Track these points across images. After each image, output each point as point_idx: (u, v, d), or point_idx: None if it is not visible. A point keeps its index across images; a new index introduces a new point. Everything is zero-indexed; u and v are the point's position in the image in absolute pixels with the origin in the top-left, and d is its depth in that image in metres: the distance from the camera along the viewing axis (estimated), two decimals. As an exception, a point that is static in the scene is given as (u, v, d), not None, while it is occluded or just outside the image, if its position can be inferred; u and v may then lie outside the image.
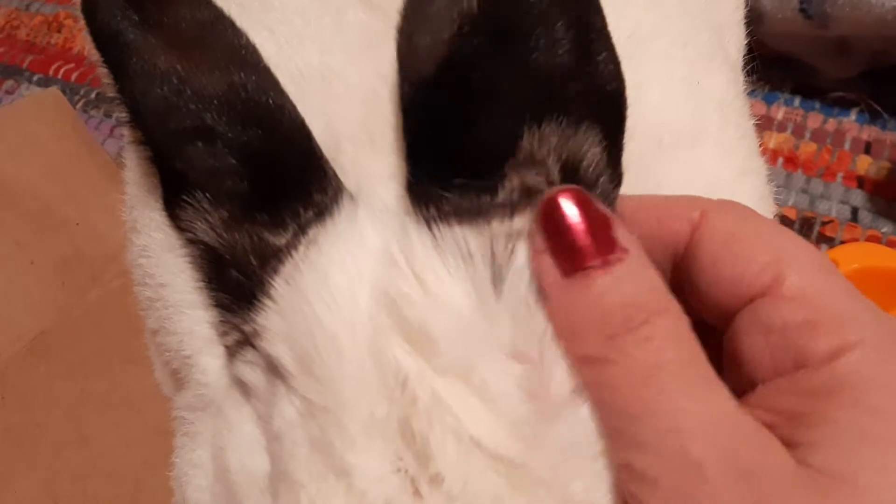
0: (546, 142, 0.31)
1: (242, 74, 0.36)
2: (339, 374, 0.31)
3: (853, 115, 0.75)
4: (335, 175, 0.35)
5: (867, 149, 0.73)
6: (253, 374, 0.36)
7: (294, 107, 0.35)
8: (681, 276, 0.31)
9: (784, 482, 0.26)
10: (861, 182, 0.71)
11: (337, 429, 0.31)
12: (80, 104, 0.85)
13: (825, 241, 0.69)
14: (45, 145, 0.70)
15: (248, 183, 0.35)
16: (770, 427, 0.27)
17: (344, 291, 0.32)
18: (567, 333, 0.30)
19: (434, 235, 0.31)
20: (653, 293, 0.29)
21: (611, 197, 0.32)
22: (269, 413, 0.34)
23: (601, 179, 0.32)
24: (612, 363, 0.28)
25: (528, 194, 0.31)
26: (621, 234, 0.29)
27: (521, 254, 0.30)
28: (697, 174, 0.40)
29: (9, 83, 0.87)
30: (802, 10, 0.69)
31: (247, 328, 0.35)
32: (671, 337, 0.28)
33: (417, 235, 0.31)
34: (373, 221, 0.33)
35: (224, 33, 0.37)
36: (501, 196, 0.31)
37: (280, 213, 0.35)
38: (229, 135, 0.35)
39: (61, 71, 0.88)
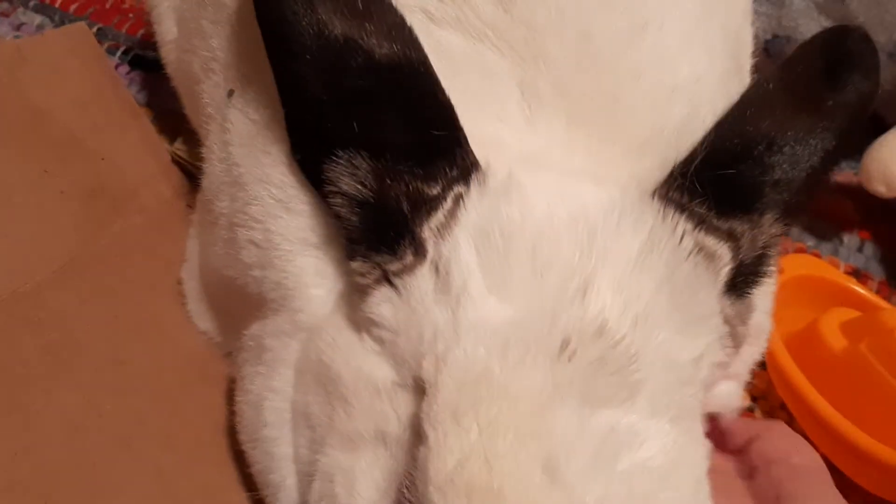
0: (773, 226, 0.43)
1: (407, 49, 0.42)
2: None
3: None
4: (469, 145, 0.43)
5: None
6: (384, 308, 0.43)
7: (441, 85, 0.42)
8: None
9: None
10: (791, 202, 0.83)
11: None
12: (78, 37, 0.85)
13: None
14: (73, 78, 0.72)
15: (407, 142, 0.42)
16: None
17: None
18: None
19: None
20: None
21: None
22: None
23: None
24: None
25: (731, 238, 0.42)
26: None
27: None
28: None
29: (3, 6, 0.87)
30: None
31: (392, 266, 0.42)
32: None
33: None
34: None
35: (389, 11, 0.43)
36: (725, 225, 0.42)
37: (433, 170, 0.42)
38: (392, 99, 0.42)
39: (58, 1, 0.88)
